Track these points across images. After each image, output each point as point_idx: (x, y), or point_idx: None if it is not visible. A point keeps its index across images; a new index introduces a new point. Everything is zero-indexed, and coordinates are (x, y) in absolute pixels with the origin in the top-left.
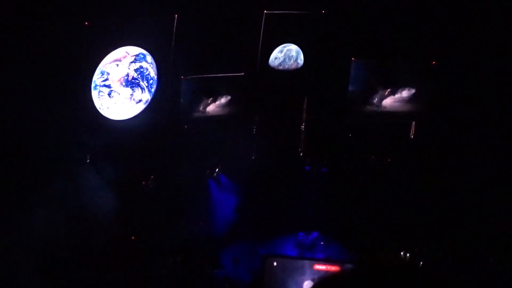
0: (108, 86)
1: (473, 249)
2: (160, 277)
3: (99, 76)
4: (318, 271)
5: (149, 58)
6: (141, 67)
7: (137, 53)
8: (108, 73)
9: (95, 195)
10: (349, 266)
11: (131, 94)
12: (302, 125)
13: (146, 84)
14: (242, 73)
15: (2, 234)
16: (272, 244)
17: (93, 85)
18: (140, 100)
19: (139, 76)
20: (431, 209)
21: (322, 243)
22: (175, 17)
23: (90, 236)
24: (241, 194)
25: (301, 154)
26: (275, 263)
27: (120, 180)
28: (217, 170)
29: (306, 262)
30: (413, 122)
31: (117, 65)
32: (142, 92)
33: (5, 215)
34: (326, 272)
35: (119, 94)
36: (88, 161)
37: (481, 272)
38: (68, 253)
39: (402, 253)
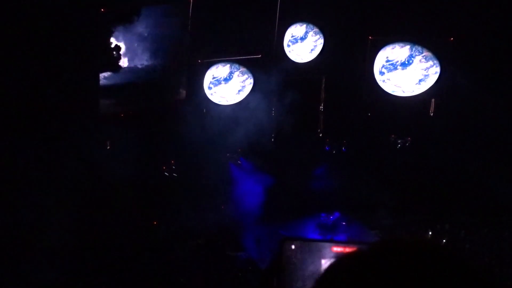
0: None
1: (497, 226)
2: (182, 260)
3: None
4: (336, 253)
5: None
6: None
7: None
8: None
9: (116, 181)
10: (364, 246)
11: None
12: (321, 105)
13: None
14: (259, 55)
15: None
16: (293, 225)
17: None
18: None
19: None
20: (453, 186)
21: (343, 223)
22: (190, 1)
23: (112, 222)
24: (262, 176)
25: (321, 135)
26: (293, 246)
27: (141, 165)
28: (237, 153)
29: (325, 244)
30: (433, 100)
31: None
32: None
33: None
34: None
35: None
36: (108, 147)
37: (503, 249)
38: (92, 238)
39: (424, 230)
